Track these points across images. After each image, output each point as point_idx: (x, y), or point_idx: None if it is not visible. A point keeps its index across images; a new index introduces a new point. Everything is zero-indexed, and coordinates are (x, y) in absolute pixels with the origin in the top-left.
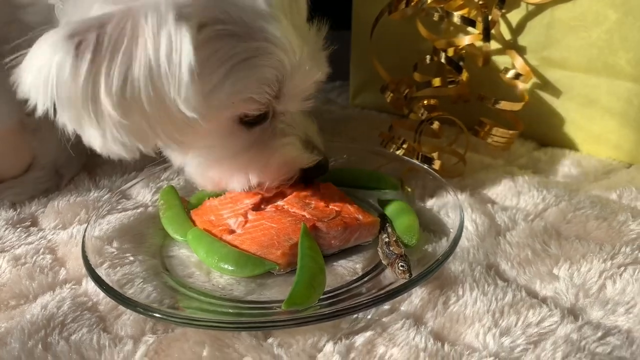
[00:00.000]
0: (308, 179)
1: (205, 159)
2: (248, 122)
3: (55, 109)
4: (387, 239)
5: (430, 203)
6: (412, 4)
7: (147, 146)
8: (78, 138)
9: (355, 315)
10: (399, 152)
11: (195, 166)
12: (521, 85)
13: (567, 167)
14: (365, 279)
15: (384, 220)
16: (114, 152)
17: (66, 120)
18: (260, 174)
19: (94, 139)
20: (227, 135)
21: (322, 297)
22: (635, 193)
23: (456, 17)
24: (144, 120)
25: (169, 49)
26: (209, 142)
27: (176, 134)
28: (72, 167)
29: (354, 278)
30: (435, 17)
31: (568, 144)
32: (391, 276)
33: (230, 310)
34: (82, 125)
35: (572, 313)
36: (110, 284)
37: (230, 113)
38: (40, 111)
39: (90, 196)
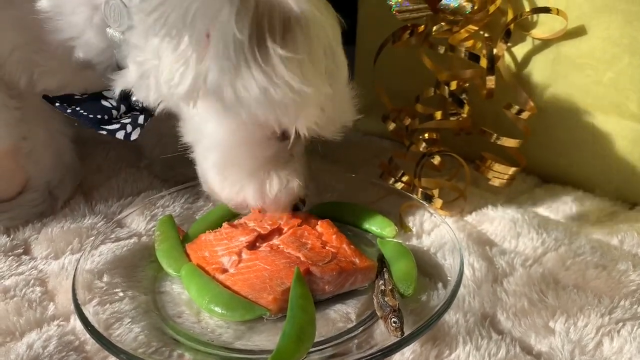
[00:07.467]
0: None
1: (229, 154)
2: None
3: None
4: (382, 287)
5: (428, 243)
6: (416, 34)
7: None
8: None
9: None
10: (398, 186)
11: (213, 159)
12: (524, 121)
13: (568, 206)
14: (359, 330)
15: (382, 263)
16: (261, 106)
17: (216, 71)
18: (274, 189)
19: (251, 88)
20: (259, 140)
21: (311, 349)
22: (637, 239)
23: (461, 51)
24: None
25: None
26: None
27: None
28: (66, 188)
29: (347, 327)
30: (441, 49)
31: (570, 182)
32: (385, 329)
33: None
34: (240, 72)
35: None
36: (97, 326)
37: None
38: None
39: (85, 222)
